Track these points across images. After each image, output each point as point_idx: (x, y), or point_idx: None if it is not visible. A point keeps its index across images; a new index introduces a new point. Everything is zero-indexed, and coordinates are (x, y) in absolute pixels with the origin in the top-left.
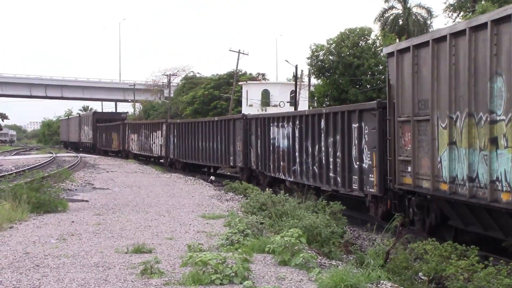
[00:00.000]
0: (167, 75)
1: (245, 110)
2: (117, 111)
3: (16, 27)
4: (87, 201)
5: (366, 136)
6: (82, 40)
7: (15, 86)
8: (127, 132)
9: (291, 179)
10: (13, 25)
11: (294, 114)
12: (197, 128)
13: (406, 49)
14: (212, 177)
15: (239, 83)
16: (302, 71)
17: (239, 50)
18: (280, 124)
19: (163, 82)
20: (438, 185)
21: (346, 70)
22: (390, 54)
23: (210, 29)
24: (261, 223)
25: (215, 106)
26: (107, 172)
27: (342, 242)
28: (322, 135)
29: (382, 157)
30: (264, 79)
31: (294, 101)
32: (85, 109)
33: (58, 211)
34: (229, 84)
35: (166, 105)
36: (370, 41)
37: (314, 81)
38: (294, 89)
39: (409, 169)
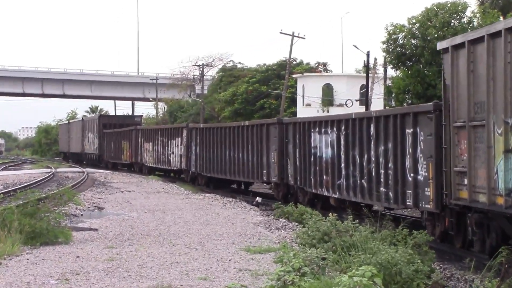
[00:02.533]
0: (199, 65)
1: (301, 111)
2: (134, 112)
3: (5, 9)
4: (96, 229)
5: (421, 143)
6: (89, 23)
7: (4, 81)
8: (140, 140)
9: (336, 196)
10: (1, 7)
11: (338, 118)
12: (224, 135)
13: (461, 45)
14: (259, 199)
15: (293, 75)
16: (375, 59)
17: (293, 33)
18: (323, 129)
19: (194, 75)
20: (494, 198)
21: (433, 58)
22: (445, 50)
23: (255, 6)
24: (323, 259)
25: (262, 106)
26: (122, 192)
27: (430, 284)
28: (372, 142)
29: (439, 167)
30: (326, 70)
31: (365, 99)
32: (93, 110)
33: (58, 243)
34: (280, 77)
35: (198, 105)
36: (465, 20)
37: (391, 72)
38: (365, 83)
39: (466, 181)
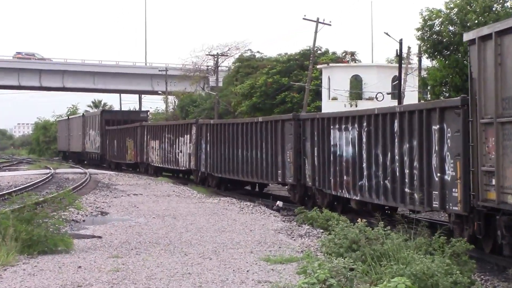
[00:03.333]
0: (213, 55)
1: (327, 105)
2: (142, 107)
3: None
4: (99, 237)
5: (448, 140)
6: (91, 9)
7: None
8: (146, 138)
9: (357, 198)
10: None
11: (360, 113)
12: (236, 132)
13: (488, 36)
14: (279, 203)
15: (318, 66)
16: (409, 48)
17: (318, 19)
18: (343, 126)
19: (207, 66)
20: None
21: None
22: (471, 42)
23: None
24: (351, 269)
25: (283, 100)
26: (128, 195)
27: None
28: (396, 140)
29: (467, 167)
30: (354, 60)
31: (397, 92)
32: (96, 105)
33: (58, 252)
34: (303, 68)
35: (212, 99)
36: (508, 4)
37: (426, 62)
38: (397, 74)
39: (493, 181)
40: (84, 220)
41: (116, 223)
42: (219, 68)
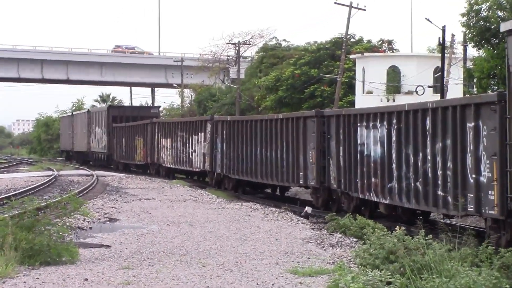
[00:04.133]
0: (234, 44)
1: (361, 100)
2: (154, 102)
3: None
4: (108, 246)
5: (484, 139)
6: None
7: None
8: (156, 136)
9: (386, 202)
10: None
11: (389, 110)
12: (255, 129)
13: None
14: (308, 209)
15: (351, 56)
16: (453, 36)
17: (351, 3)
18: (371, 123)
19: (228, 56)
20: None
21: None
22: (509, 32)
23: None
24: (388, 283)
25: (312, 94)
26: (140, 199)
27: None
28: (428, 138)
29: (504, 167)
30: (392, 49)
31: (440, 85)
32: (103, 99)
33: (62, 263)
34: (334, 59)
35: (233, 93)
36: None
37: (472, 52)
38: (440, 65)
39: None
40: (91, 228)
41: (126, 231)
42: (241, 58)
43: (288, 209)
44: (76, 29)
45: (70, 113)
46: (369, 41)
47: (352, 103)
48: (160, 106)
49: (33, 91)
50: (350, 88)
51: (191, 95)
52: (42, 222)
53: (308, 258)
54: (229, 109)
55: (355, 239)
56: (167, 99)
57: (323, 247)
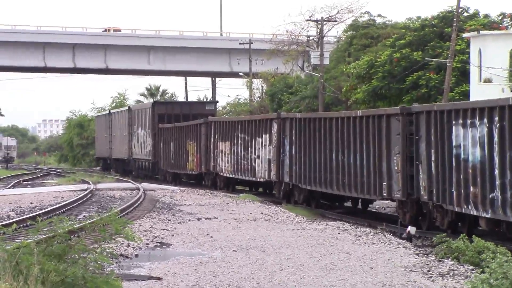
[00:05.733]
0: (316, 20)
1: (477, 90)
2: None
3: None
4: (159, 278)
5: None
6: None
7: (12, 48)
8: (212, 139)
9: (488, 215)
10: None
11: (490, 104)
12: (329, 130)
13: None
14: (412, 229)
15: (464, 35)
16: None
17: None
18: (469, 121)
19: (308, 37)
20: None
21: None
22: None
23: None
24: None
25: (416, 83)
26: (198, 219)
27: None
28: None
29: None
30: None
31: None
32: (151, 92)
33: None
34: (443, 38)
35: (315, 83)
36: None
37: None
38: None
39: None
40: (137, 255)
41: (181, 259)
42: (325, 39)
43: (385, 229)
44: (112, 6)
45: (107, 112)
46: (486, 16)
47: (465, 94)
48: (217, 101)
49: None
50: (463, 75)
51: (262, 87)
52: (75, 248)
53: None
54: (310, 103)
55: (470, 267)
56: (232, 91)
57: (431, 277)
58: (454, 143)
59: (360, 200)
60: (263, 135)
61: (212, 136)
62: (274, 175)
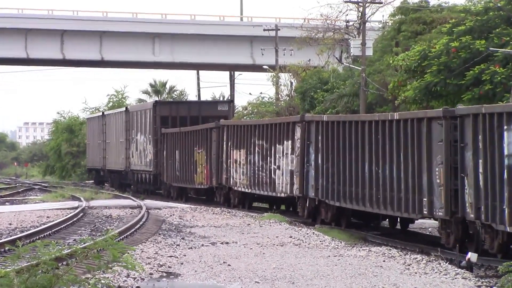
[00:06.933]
0: (356, 2)
1: None
2: (234, 92)
3: None
4: None
5: None
6: None
7: None
8: (225, 146)
9: None
10: None
11: None
12: (361, 135)
13: None
14: (472, 256)
15: None
16: None
17: None
18: None
19: (347, 22)
20: None
21: None
22: None
23: None
24: None
25: (478, 78)
26: (213, 243)
27: None
28: None
29: None
30: None
31: None
32: (157, 89)
33: None
34: (510, 24)
35: (356, 78)
36: None
37: None
38: None
39: None
40: (138, 287)
41: None
42: (368, 25)
43: (441, 256)
44: None
45: (101, 113)
46: None
47: None
48: (232, 101)
49: (49, 79)
50: None
51: (291, 82)
52: (64, 279)
53: None
54: (350, 102)
55: None
56: (254, 88)
57: None
58: (506, 152)
59: (398, 219)
60: (284, 142)
61: (225, 143)
62: (297, 189)
